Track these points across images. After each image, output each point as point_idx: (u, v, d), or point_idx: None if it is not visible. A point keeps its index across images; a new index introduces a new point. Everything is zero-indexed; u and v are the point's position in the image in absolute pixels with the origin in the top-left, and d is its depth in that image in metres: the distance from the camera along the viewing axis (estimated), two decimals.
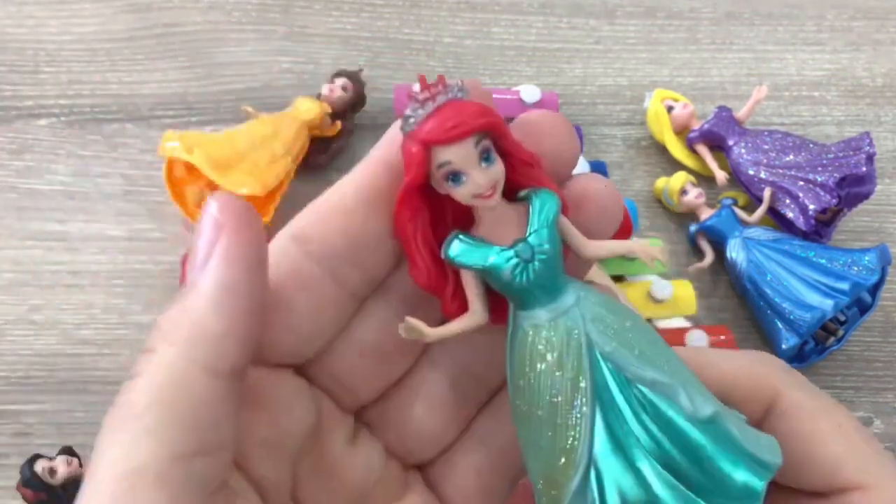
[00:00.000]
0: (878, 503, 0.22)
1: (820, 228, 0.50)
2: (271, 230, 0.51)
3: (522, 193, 0.21)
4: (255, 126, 0.50)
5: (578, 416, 0.20)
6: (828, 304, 0.45)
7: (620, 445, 0.20)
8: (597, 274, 0.46)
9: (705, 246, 0.51)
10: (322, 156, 0.53)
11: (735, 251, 0.49)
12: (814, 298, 0.46)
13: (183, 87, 0.56)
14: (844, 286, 0.46)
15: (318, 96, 0.53)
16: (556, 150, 0.22)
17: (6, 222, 0.50)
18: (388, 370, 0.23)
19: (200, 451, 0.18)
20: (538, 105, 0.55)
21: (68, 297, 0.48)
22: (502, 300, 0.22)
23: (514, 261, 0.21)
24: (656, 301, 0.48)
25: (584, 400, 0.20)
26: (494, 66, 0.59)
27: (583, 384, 0.20)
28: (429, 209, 0.21)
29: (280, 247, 0.21)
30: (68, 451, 0.42)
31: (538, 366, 0.21)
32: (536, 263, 0.21)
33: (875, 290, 0.48)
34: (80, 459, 0.42)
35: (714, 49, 0.61)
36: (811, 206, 0.49)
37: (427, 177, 0.21)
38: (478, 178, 0.20)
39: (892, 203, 0.56)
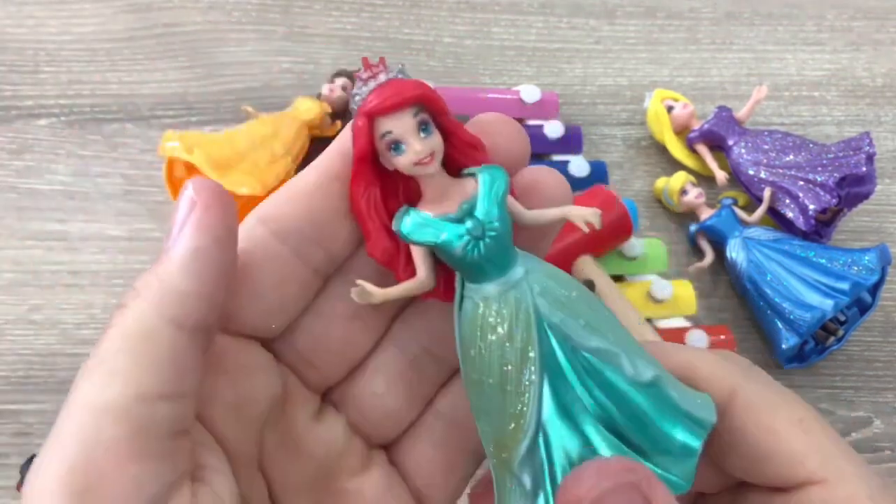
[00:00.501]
0: (838, 497, 0.22)
1: (820, 228, 0.50)
2: None
3: (468, 170, 0.23)
4: (255, 126, 0.50)
5: (527, 383, 0.21)
6: (828, 303, 0.45)
7: (567, 410, 0.21)
8: (593, 271, 0.46)
9: (705, 246, 0.51)
10: None
11: (735, 251, 0.49)
12: (814, 298, 0.46)
13: (183, 87, 0.56)
14: (844, 286, 0.46)
15: (318, 96, 0.53)
16: (507, 148, 0.24)
17: (6, 222, 0.50)
18: (351, 349, 0.25)
19: (163, 395, 0.20)
20: (538, 105, 0.55)
21: (68, 296, 0.48)
22: (452, 276, 0.23)
23: (466, 238, 0.22)
24: (656, 301, 0.48)
25: (532, 369, 0.21)
26: (494, 66, 0.59)
27: (531, 354, 0.21)
28: (380, 186, 0.23)
29: (247, 227, 0.23)
30: None
31: (489, 337, 0.22)
32: (487, 240, 0.22)
33: (875, 289, 0.48)
34: None
35: (714, 49, 0.61)
36: (811, 206, 0.49)
37: (373, 149, 0.22)
38: (416, 146, 0.22)
39: (891, 203, 0.56)
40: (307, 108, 0.52)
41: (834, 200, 0.48)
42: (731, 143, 0.53)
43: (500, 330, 0.21)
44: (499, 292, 0.22)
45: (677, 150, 0.55)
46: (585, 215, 0.23)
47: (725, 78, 0.60)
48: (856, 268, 0.46)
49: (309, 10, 0.60)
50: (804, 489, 0.22)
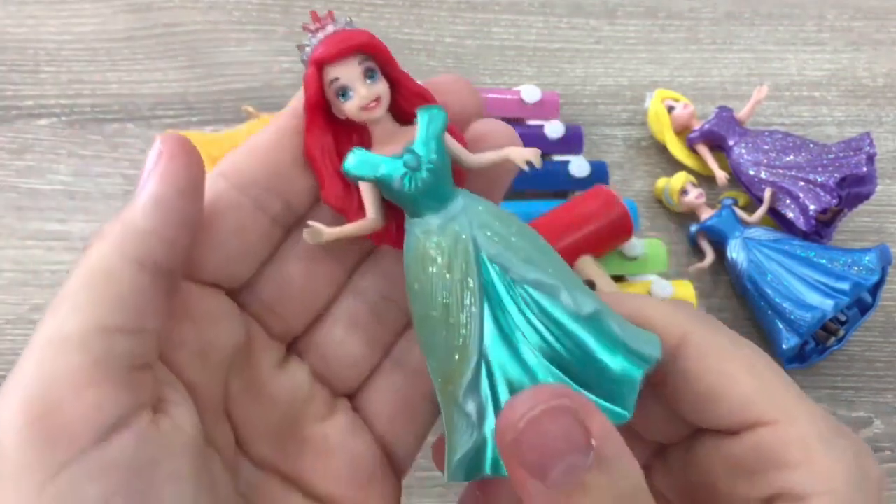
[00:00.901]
0: (788, 437, 0.22)
1: (820, 229, 0.50)
2: None
3: (415, 115, 0.24)
4: (256, 126, 0.50)
5: (468, 315, 0.22)
6: (828, 304, 0.45)
7: (508, 340, 0.22)
8: (593, 271, 0.46)
9: (706, 246, 0.51)
10: None
11: (735, 251, 0.49)
12: (814, 298, 0.46)
13: (183, 86, 0.56)
14: (845, 286, 0.46)
15: None
16: (461, 104, 0.25)
17: (6, 222, 0.50)
18: (312, 297, 0.25)
19: (122, 329, 0.20)
20: (539, 105, 0.55)
21: None
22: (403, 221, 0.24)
23: (403, 170, 0.23)
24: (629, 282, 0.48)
25: (472, 300, 0.22)
26: (495, 66, 0.59)
27: (471, 285, 0.22)
28: (333, 134, 0.24)
29: (209, 180, 0.24)
30: None
31: (429, 269, 0.22)
32: (424, 172, 0.23)
33: (875, 290, 0.48)
34: None
35: (714, 49, 0.61)
36: (811, 207, 0.49)
37: (324, 97, 0.23)
38: (361, 91, 0.23)
39: (892, 203, 0.56)
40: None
41: (834, 201, 0.48)
42: (731, 143, 0.53)
43: (439, 261, 0.22)
44: (437, 225, 0.23)
45: (678, 150, 0.55)
46: (525, 154, 0.24)
47: (726, 78, 0.60)
48: (856, 268, 0.46)
49: (309, 9, 0.60)
50: (755, 430, 0.22)
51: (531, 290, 0.22)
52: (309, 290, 0.25)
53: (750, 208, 0.52)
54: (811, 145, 0.51)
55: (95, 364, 0.20)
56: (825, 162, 0.50)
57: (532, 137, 0.54)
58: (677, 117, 0.55)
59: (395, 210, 0.24)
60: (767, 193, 0.51)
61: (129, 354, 0.20)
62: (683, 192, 0.52)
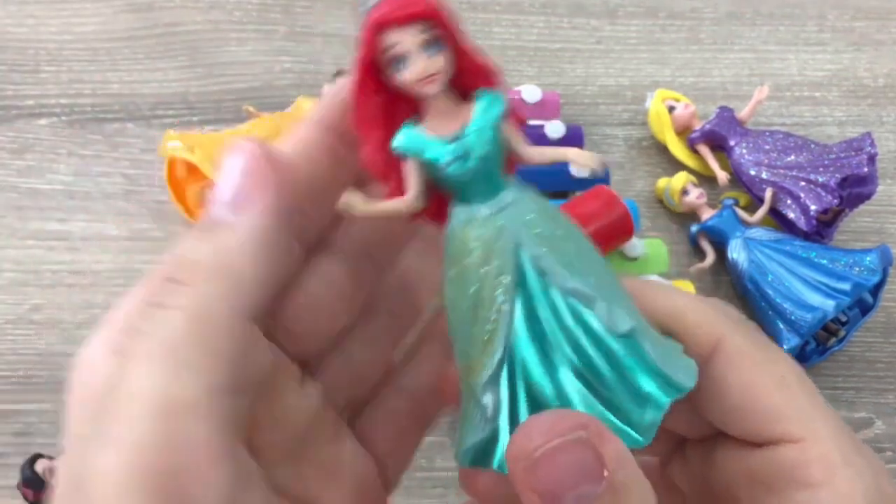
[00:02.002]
0: (811, 456, 0.22)
1: (821, 229, 0.50)
2: None
3: (474, 94, 0.22)
4: (257, 126, 0.50)
5: (498, 310, 0.21)
6: (829, 304, 0.45)
7: (537, 342, 0.21)
8: None
9: (706, 246, 0.51)
10: None
11: (736, 252, 0.49)
12: (815, 299, 0.46)
13: (184, 86, 0.56)
14: (846, 287, 0.46)
15: (320, 96, 0.53)
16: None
17: (7, 221, 0.50)
18: (331, 318, 0.24)
19: (235, 389, 0.19)
20: (539, 105, 0.54)
21: (69, 296, 0.48)
22: (445, 201, 0.23)
23: (451, 157, 0.22)
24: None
25: (505, 296, 0.21)
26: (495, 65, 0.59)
27: (506, 281, 0.21)
28: (384, 101, 0.22)
29: None
30: None
31: (466, 259, 0.22)
32: (473, 161, 0.22)
33: (876, 290, 0.48)
34: None
35: (715, 49, 0.61)
36: (812, 207, 0.49)
37: (376, 60, 0.22)
38: (420, 64, 0.21)
39: (893, 204, 0.56)
40: (308, 108, 0.52)
41: (835, 201, 0.48)
42: (732, 143, 0.53)
43: (477, 252, 0.21)
44: (482, 215, 0.22)
45: (678, 150, 0.55)
46: (586, 159, 0.22)
47: (727, 78, 0.60)
48: (857, 268, 0.46)
49: (310, 9, 0.60)
50: (780, 446, 0.22)
51: (567, 298, 0.21)
52: (328, 311, 0.24)
53: (751, 208, 0.52)
54: (812, 145, 0.51)
55: (217, 433, 0.18)
56: (826, 162, 0.50)
57: (533, 137, 0.54)
58: (678, 117, 0.55)
59: (438, 190, 0.23)
60: (768, 194, 0.50)
61: (241, 417, 0.19)
62: (684, 192, 0.52)
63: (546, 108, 0.55)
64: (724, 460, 0.24)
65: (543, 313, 0.21)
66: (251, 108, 0.52)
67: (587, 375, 0.21)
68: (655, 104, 0.55)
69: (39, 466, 0.41)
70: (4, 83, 0.55)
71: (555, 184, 0.52)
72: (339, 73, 0.54)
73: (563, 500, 0.19)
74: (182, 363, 0.18)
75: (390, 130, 0.22)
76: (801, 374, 0.23)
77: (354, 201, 0.22)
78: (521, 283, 0.21)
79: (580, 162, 0.22)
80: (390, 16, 0.21)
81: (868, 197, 0.50)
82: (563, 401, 0.21)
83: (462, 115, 0.22)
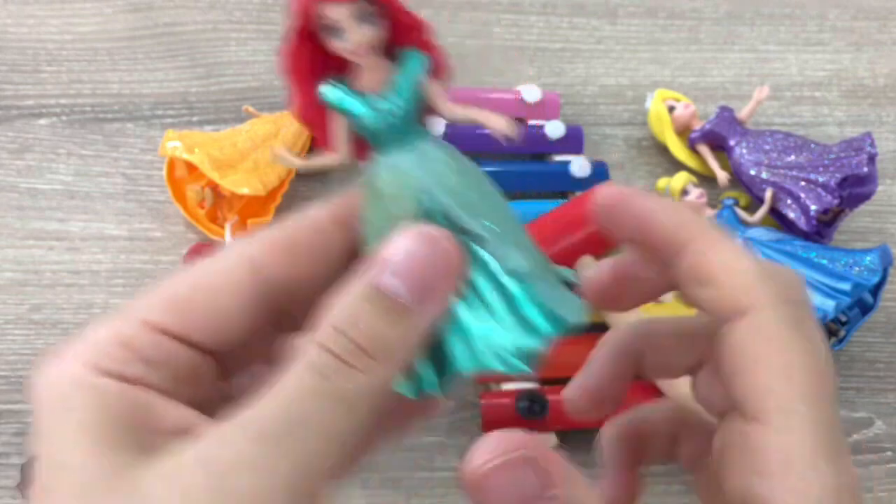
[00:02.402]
0: (772, 444, 0.21)
1: (821, 229, 0.50)
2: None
3: (400, 52, 0.24)
4: (257, 126, 0.50)
5: None
6: (829, 304, 0.45)
7: None
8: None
9: None
10: None
11: None
12: (815, 299, 0.46)
13: (184, 86, 0.56)
14: (846, 287, 0.46)
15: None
16: None
17: (7, 221, 0.50)
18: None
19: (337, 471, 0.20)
20: (540, 105, 0.54)
21: (69, 296, 0.48)
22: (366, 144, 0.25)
23: (374, 112, 0.24)
24: (657, 301, 0.48)
25: None
26: (496, 65, 0.59)
27: (414, 221, 0.23)
28: (317, 55, 0.24)
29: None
30: None
31: (379, 201, 0.24)
32: (393, 116, 0.24)
33: (876, 290, 0.48)
34: None
35: (716, 49, 0.61)
36: (813, 207, 0.49)
37: (310, 27, 0.24)
38: (354, 37, 0.23)
39: (893, 203, 0.56)
40: None
41: (835, 201, 0.48)
42: (732, 143, 0.53)
43: (387, 196, 0.23)
44: (399, 164, 0.24)
45: (679, 150, 0.55)
46: (500, 124, 0.24)
47: (727, 78, 0.60)
48: (857, 268, 0.46)
49: None
50: (750, 424, 0.22)
51: (466, 240, 0.22)
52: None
53: (751, 208, 0.52)
54: (812, 145, 0.51)
55: None
56: (826, 162, 0.50)
57: (533, 137, 0.54)
58: (678, 117, 0.55)
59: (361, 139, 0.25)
60: (768, 194, 0.50)
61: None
62: (684, 192, 0.52)
63: (546, 108, 0.55)
64: (722, 429, 0.24)
65: None
66: (251, 108, 0.52)
67: (481, 308, 0.23)
68: (655, 104, 0.55)
69: None
70: (4, 83, 0.55)
71: (555, 184, 0.52)
72: None
73: None
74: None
75: (315, 82, 0.24)
76: (816, 368, 0.22)
77: (288, 156, 0.26)
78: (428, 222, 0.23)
79: (494, 126, 0.24)
80: None
81: (868, 197, 0.50)
82: (458, 325, 0.22)
83: (387, 73, 0.24)
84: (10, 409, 0.45)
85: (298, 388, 0.20)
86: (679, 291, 0.24)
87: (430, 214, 0.23)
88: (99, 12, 0.59)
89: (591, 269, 0.25)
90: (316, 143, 0.25)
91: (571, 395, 0.26)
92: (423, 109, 0.25)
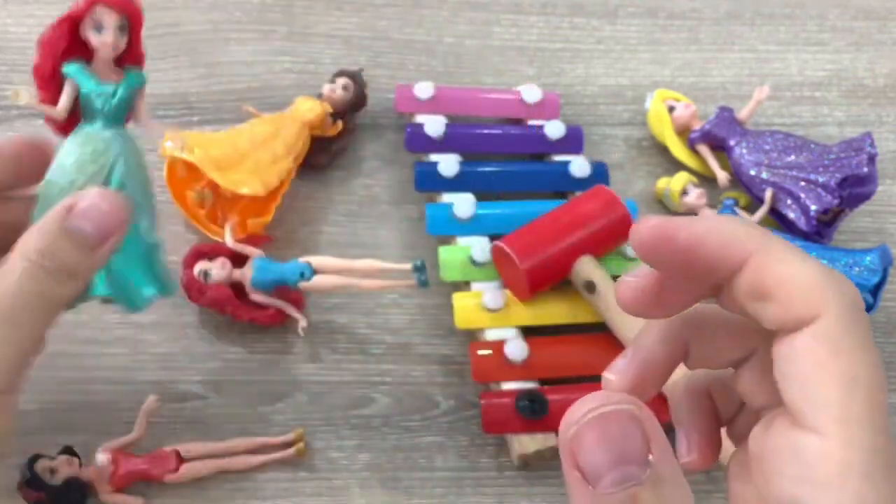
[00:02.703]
0: (834, 456, 0.21)
1: (821, 229, 0.50)
2: (271, 229, 0.51)
3: (127, 66, 0.37)
4: (257, 126, 0.50)
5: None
6: None
7: None
8: (593, 271, 0.46)
9: None
10: (323, 156, 0.53)
11: None
12: None
13: (184, 86, 0.56)
14: None
15: (320, 96, 0.53)
16: None
17: None
18: None
19: None
20: (539, 105, 0.55)
21: None
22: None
23: (101, 93, 0.35)
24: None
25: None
26: (496, 66, 0.59)
27: (100, 180, 0.35)
28: (71, 41, 0.35)
29: None
30: (69, 451, 0.42)
31: (78, 157, 0.35)
32: (112, 101, 0.36)
33: (876, 290, 0.48)
34: (80, 459, 0.42)
35: (715, 49, 0.61)
36: (812, 207, 0.49)
37: (81, 18, 0.35)
38: (110, 36, 0.35)
39: (893, 204, 0.56)
40: (308, 108, 0.52)
41: (835, 201, 0.48)
42: (732, 143, 0.53)
43: (88, 156, 0.35)
44: (100, 136, 0.35)
45: (678, 150, 0.55)
46: (160, 130, 0.41)
47: (727, 78, 0.60)
48: (857, 268, 0.46)
49: (310, 10, 0.60)
50: (808, 435, 0.21)
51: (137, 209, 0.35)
52: None
53: (751, 209, 0.52)
54: (812, 146, 0.51)
55: None
56: (826, 162, 0.50)
57: (532, 138, 0.54)
58: (678, 117, 0.55)
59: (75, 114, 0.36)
60: (768, 194, 0.51)
61: None
62: (684, 192, 0.52)
63: (546, 108, 0.55)
64: (766, 429, 0.23)
65: None
66: (251, 109, 0.52)
67: (125, 256, 0.35)
68: (655, 104, 0.55)
69: (39, 466, 0.41)
70: (4, 83, 0.55)
71: (555, 184, 0.52)
72: (339, 74, 0.54)
73: (603, 479, 0.19)
74: None
75: (64, 58, 0.35)
76: (876, 381, 0.22)
77: (23, 94, 0.35)
78: (106, 184, 0.35)
79: (149, 131, 0.38)
80: (116, 3, 0.35)
81: (868, 197, 0.50)
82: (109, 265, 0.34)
83: (117, 74, 0.36)
84: None
85: (20, 289, 0.31)
86: (741, 309, 0.23)
87: (105, 175, 0.34)
88: None
89: (628, 275, 0.24)
90: (43, 100, 0.36)
91: (614, 375, 0.25)
92: (128, 111, 0.37)
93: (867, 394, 0.21)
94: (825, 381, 0.21)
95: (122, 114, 0.36)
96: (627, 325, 0.44)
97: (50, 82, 0.35)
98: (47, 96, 0.35)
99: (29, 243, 0.31)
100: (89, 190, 0.32)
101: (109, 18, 0.35)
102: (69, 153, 0.35)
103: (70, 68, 0.35)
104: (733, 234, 0.22)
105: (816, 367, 0.21)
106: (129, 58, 0.37)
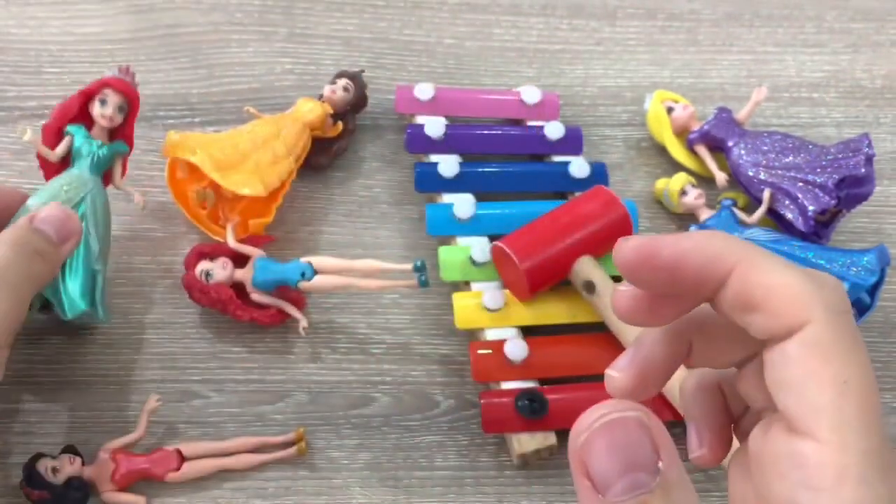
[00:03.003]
0: (829, 461, 0.21)
1: (819, 229, 0.50)
2: (272, 229, 0.51)
3: (117, 142, 0.46)
4: (258, 127, 0.50)
5: None
6: None
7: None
8: (593, 272, 0.46)
9: None
10: (324, 156, 0.53)
11: None
12: None
13: (185, 87, 0.56)
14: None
15: (320, 97, 0.54)
16: None
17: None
18: None
19: None
20: (539, 106, 0.55)
21: None
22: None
23: (89, 148, 0.45)
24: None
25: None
26: (495, 67, 0.60)
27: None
28: (81, 110, 0.45)
29: None
30: (71, 450, 0.42)
31: (54, 192, 0.43)
32: (97, 155, 0.45)
33: (874, 290, 0.48)
34: (82, 458, 0.42)
35: (714, 50, 0.62)
36: (810, 207, 0.49)
37: (92, 93, 0.45)
38: (108, 111, 0.45)
39: (890, 204, 0.56)
40: (309, 109, 0.52)
41: (833, 201, 0.49)
42: (730, 144, 0.53)
43: (63, 192, 0.43)
44: (77, 180, 0.44)
45: (677, 151, 0.55)
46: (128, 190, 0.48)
47: (725, 79, 0.60)
48: (854, 269, 0.47)
49: (311, 11, 0.60)
50: (804, 440, 0.22)
51: (89, 237, 0.43)
52: None
53: (749, 209, 0.52)
54: (810, 146, 0.52)
55: None
56: (824, 163, 0.50)
57: (532, 138, 0.54)
58: (677, 118, 0.55)
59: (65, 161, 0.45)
60: (766, 194, 0.51)
61: None
62: (683, 192, 0.52)
63: (545, 109, 0.55)
64: (765, 432, 0.23)
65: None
66: (252, 110, 0.53)
67: (71, 268, 0.43)
68: (654, 105, 0.56)
69: (41, 466, 0.41)
70: (7, 84, 0.55)
71: (554, 185, 0.53)
72: (339, 75, 0.54)
73: (613, 488, 0.19)
74: None
75: (69, 121, 0.45)
76: (867, 384, 0.22)
77: (29, 133, 0.43)
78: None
79: (124, 190, 0.48)
80: (117, 84, 0.45)
81: (865, 197, 0.50)
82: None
83: (107, 137, 0.46)
84: (12, 408, 0.45)
85: (8, 261, 0.38)
86: (729, 320, 0.23)
87: (74, 203, 0.43)
88: (101, 14, 0.59)
89: (623, 284, 0.25)
90: (44, 143, 0.45)
91: (617, 372, 0.25)
92: (107, 167, 0.46)
93: (859, 397, 0.22)
94: (817, 387, 0.21)
95: (102, 167, 0.45)
96: (627, 327, 0.44)
97: (54, 136, 0.45)
98: (48, 143, 0.44)
99: (6, 234, 0.40)
100: (51, 205, 0.41)
101: (113, 98, 0.45)
102: (48, 187, 0.44)
103: (72, 127, 0.45)
104: (715, 248, 0.23)
105: (807, 373, 0.22)
106: (122, 135, 0.46)
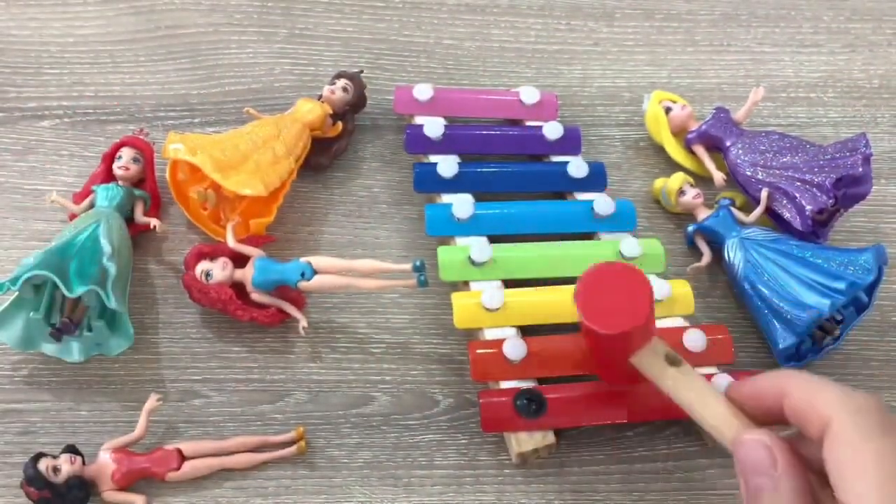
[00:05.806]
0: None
1: (816, 229, 0.50)
2: (272, 229, 0.51)
3: (138, 190, 0.50)
4: (258, 127, 0.50)
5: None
6: (825, 303, 0.46)
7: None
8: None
9: (703, 246, 0.52)
10: (324, 156, 0.53)
11: (732, 251, 0.50)
12: (811, 298, 0.46)
13: (185, 88, 0.56)
14: (841, 286, 0.46)
15: (320, 97, 0.54)
16: None
17: (10, 223, 0.51)
18: None
19: None
20: (537, 106, 0.55)
21: None
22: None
23: (112, 193, 0.49)
24: (654, 301, 0.48)
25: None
26: (494, 67, 0.60)
27: (82, 237, 0.46)
28: (108, 167, 0.50)
29: None
30: (71, 449, 0.42)
31: (79, 222, 0.47)
32: (116, 198, 0.48)
33: (871, 289, 0.48)
34: (83, 458, 0.42)
35: (711, 51, 0.62)
36: (808, 207, 0.49)
37: (113, 154, 0.50)
38: (123, 162, 0.50)
39: (888, 203, 0.56)
40: (309, 110, 0.52)
41: (830, 201, 0.49)
42: (728, 143, 0.53)
43: (76, 223, 0.47)
44: (90, 213, 0.48)
45: (675, 151, 0.56)
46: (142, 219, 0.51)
47: (723, 79, 0.61)
48: (852, 268, 0.47)
49: (310, 12, 0.61)
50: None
51: (107, 261, 0.44)
52: None
53: (747, 209, 0.52)
54: (807, 146, 0.52)
55: None
56: (821, 162, 0.50)
57: (530, 138, 0.54)
58: (675, 118, 0.55)
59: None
60: (764, 194, 0.51)
61: None
62: (681, 192, 0.53)
63: (543, 109, 0.55)
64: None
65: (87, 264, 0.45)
66: (252, 111, 0.53)
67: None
68: (652, 105, 0.56)
69: (42, 465, 0.41)
70: (7, 85, 0.56)
71: (553, 185, 0.53)
72: (339, 75, 0.55)
73: (748, 483, 0.32)
74: None
75: (96, 181, 0.50)
76: (886, 465, 0.28)
77: (55, 195, 0.49)
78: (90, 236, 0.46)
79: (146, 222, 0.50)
80: (129, 141, 0.50)
81: (863, 197, 0.51)
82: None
83: (127, 186, 0.50)
84: (13, 408, 0.45)
85: None
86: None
87: (90, 230, 0.46)
88: (101, 15, 0.59)
89: (736, 384, 0.36)
90: (74, 202, 0.50)
91: (735, 393, 0.35)
92: (129, 210, 0.49)
93: (876, 476, 0.28)
94: (854, 470, 0.29)
95: (120, 207, 0.48)
96: (706, 405, 0.37)
97: (82, 196, 0.50)
98: (76, 200, 0.50)
99: None
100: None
101: (127, 153, 0.50)
102: (76, 222, 0.48)
103: (97, 187, 0.49)
104: (777, 382, 0.34)
105: (838, 461, 0.29)
106: (145, 186, 0.51)
